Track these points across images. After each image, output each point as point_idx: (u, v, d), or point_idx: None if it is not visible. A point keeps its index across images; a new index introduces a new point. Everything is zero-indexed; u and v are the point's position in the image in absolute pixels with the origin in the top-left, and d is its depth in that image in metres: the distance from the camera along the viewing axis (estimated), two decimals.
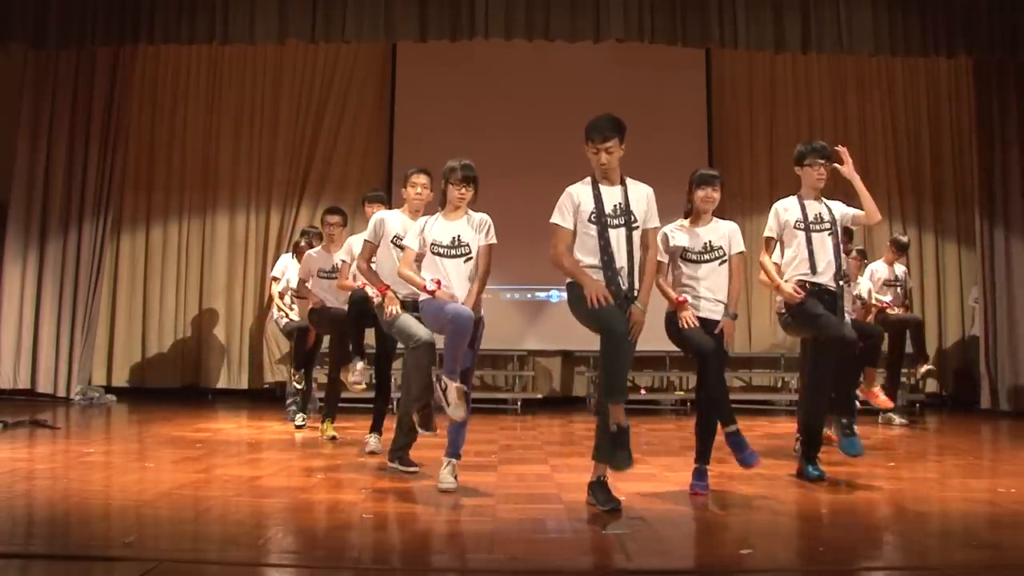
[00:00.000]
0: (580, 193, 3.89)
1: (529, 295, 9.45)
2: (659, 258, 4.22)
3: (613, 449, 3.68)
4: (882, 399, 6.08)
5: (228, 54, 9.82)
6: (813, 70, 9.99)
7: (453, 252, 4.31)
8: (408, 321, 4.45)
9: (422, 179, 5.06)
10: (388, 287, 4.61)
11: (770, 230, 4.69)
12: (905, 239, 7.85)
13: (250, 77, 9.97)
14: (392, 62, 9.86)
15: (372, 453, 5.36)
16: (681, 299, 4.21)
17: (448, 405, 4.08)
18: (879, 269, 7.57)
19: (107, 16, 7.92)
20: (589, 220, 3.84)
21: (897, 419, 7.35)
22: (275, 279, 7.64)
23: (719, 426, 4.18)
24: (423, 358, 4.33)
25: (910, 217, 9.78)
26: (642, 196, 3.94)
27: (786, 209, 4.65)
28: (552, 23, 7.79)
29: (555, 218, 3.90)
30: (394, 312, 4.48)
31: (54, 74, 8.76)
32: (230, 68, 9.98)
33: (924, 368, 7.82)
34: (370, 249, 4.90)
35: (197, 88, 9.96)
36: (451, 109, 9.57)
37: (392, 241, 4.87)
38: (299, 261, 6.97)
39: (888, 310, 7.42)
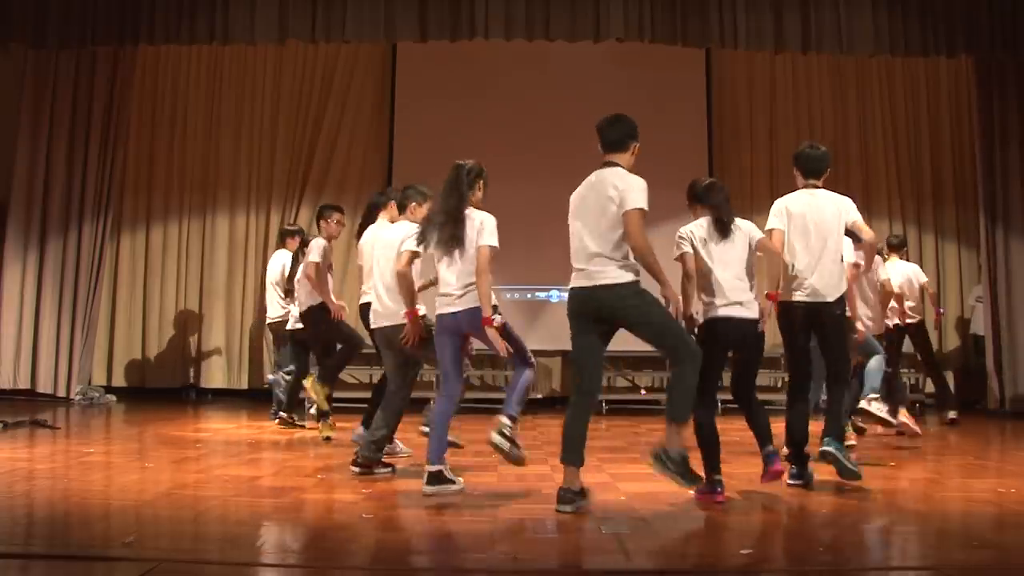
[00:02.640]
0: None
1: (529, 295, 9.44)
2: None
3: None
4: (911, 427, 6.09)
5: (228, 54, 9.81)
6: (813, 70, 9.99)
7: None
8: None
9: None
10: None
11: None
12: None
13: (250, 77, 9.97)
14: (392, 62, 9.86)
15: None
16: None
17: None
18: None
19: (107, 16, 7.92)
20: None
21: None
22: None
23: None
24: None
25: (910, 217, 9.78)
26: None
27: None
28: (552, 23, 7.79)
29: (645, 203, 3.77)
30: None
31: (54, 74, 8.75)
32: (230, 68, 9.98)
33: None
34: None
35: (197, 88, 9.96)
36: (451, 109, 9.56)
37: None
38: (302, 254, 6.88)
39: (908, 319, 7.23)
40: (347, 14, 7.77)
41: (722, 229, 4.22)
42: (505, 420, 4.14)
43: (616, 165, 3.89)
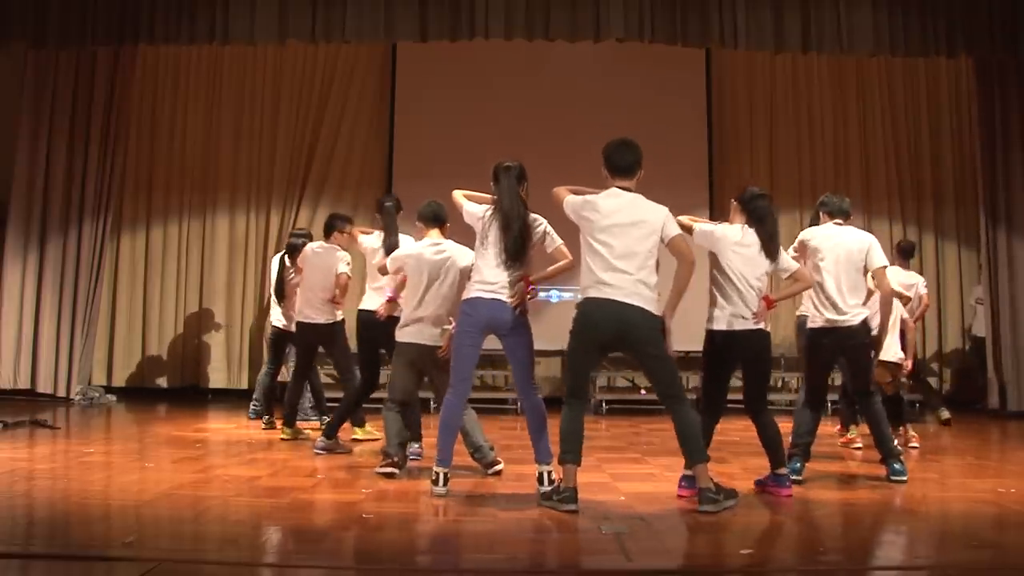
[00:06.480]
0: None
1: (529, 295, 9.43)
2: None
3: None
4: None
5: (228, 54, 9.80)
6: (813, 70, 9.97)
7: None
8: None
9: None
10: None
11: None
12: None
13: (250, 77, 9.95)
14: (392, 62, 9.85)
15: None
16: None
17: None
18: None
19: (107, 16, 7.91)
20: None
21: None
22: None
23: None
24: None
25: (910, 217, 9.76)
26: None
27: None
28: (552, 23, 7.78)
29: None
30: None
31: (54, 74, 8.73)
32: (230, 68, 9.96)
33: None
34: None
35: (197, 88, 9.94)
36: (451, 109, 9.56)
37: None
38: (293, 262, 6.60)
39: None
40: (347, 14, 7.76)
41: None
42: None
43: None
